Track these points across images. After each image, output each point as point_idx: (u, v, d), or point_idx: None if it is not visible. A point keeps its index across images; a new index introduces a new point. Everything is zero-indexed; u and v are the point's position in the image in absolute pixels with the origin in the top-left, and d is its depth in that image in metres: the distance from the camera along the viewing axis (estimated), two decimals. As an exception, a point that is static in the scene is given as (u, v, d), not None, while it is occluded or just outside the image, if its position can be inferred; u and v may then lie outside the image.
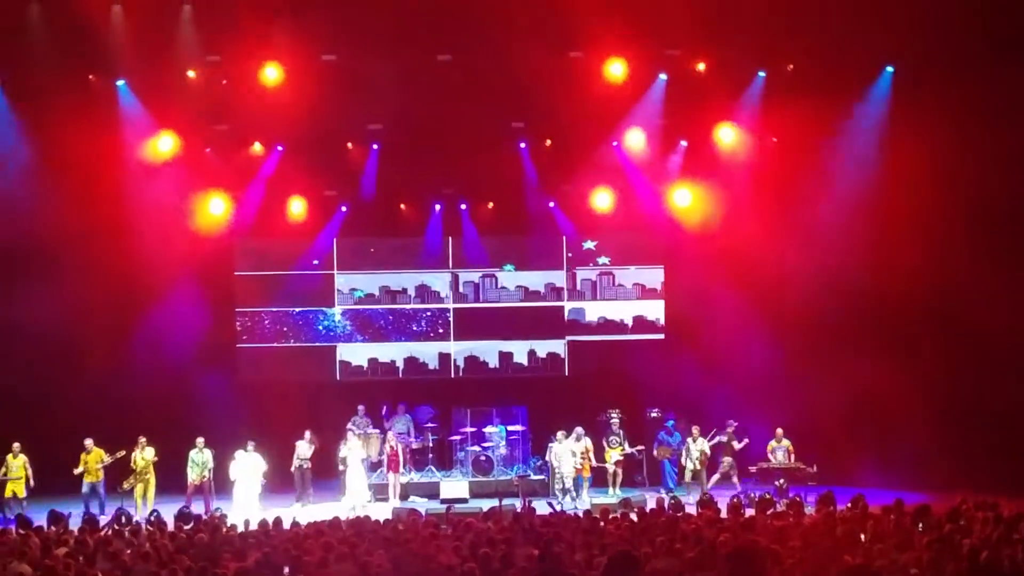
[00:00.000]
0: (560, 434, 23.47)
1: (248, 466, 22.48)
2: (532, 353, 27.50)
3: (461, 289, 27.52)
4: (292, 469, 23.49)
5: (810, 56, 23.73)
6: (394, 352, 27.49)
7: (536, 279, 27.58)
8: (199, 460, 22.63)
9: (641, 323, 27.52)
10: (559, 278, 27.54)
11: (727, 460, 23.56)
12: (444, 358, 27.51)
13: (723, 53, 24.07)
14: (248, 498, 22.14)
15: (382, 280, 27.43)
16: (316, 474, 23.85)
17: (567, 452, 23.16)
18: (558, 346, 27.54)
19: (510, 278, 27.54)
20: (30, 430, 23.14)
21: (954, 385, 23.67)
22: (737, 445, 23.59)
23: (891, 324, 24.77)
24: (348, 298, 27.37)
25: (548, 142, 26.11)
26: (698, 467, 23.29)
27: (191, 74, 23.98)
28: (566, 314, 27.55)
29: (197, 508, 21.36)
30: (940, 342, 24.04)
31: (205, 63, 24.09)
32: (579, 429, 23.59)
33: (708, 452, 23.44)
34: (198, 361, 25.48)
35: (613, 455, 24.10)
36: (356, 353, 27.42)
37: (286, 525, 16.87)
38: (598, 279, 27.63)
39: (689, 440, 23.59)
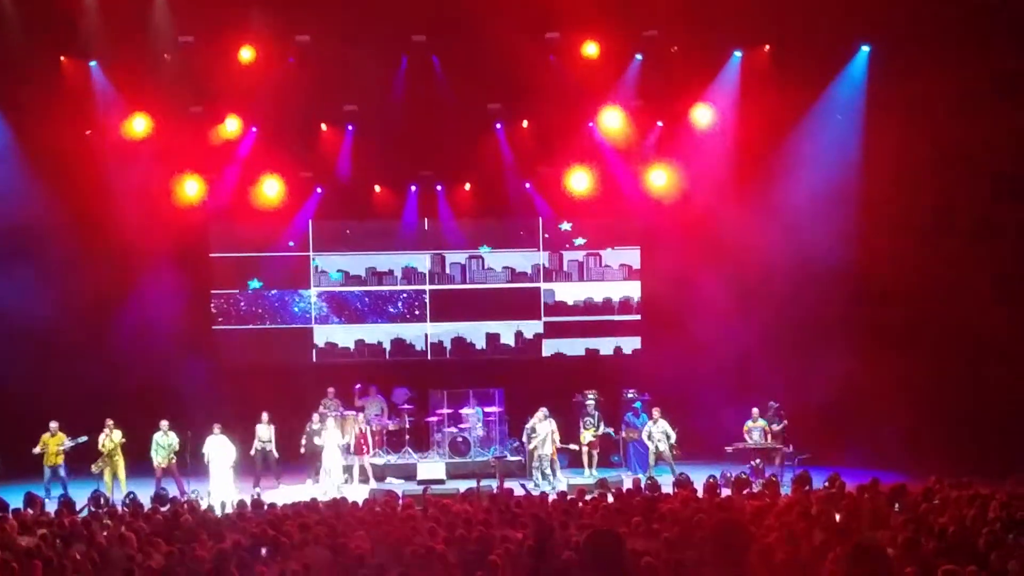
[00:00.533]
0: (541, 413, 23.36)
1: (216, 449, 22.33)
2: (510, 334, 27.50)
3: (448, 270, 27.49)
4: (252, 452, 23.32)
5: (786, 36, 23.74)
6: (370, 334, 27.46)
7: (522, 260, 27.58)
8: (164, 443, 22.49)
9: (619, 304, 27.55)
10: (545, 259, 27.52)
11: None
12: (420, 340, 27.50)
13: (699, 34, 24.04)
14: (221, 481, 22.03)
15: (358, 262, 27.37)
16: (282, 456, 23.72)
17: (548, 434, 23.10)
18: (535, 327, 27.55)
19: (497, 259, 27.51)
20: (4, 414, 23.04)
21: (937, 368, 23.69)
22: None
23: (871, 305, 24.79)
24: (323, 280, 27.31)
25: (525, 123, 26.07)
26: (662, 448, 23.13)
27: (166, 56, 23.85)
28: (543, 296, 27.57)
29: (171, 491, 21.27)
30: (921, 322, 24.09)
31: (179, 44, 23.96)
32: (543, 410, 23.50)
33: (671, 433, 23.26)
34: (175, 344, 25.36)
35: (587, 436, 24.12)
36: (332, 335, 27.38)
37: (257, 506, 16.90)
38: (585, 260, 27.62)
39: (650, 423, 23.51)
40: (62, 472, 22.13)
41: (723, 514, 13.98)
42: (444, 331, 27.53)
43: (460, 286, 27.47)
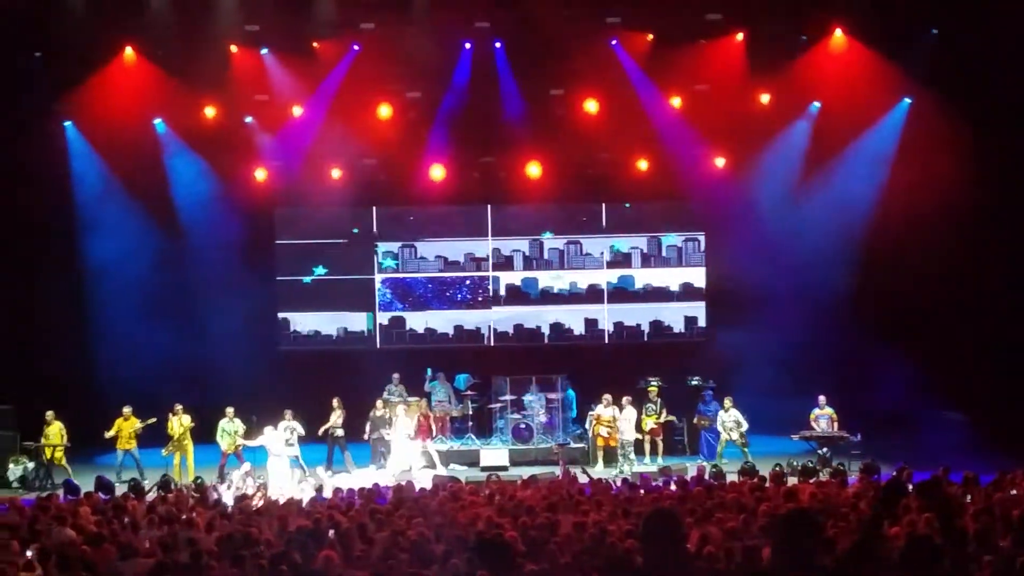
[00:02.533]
0: (607, 398, 23.32)
1: (273, 438, 22.36)
2: (575, 321, 27.46)
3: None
4: (321, 434, 23.35)
5: (854, 19, 23.50)
6: (434, 320, 27.53)
7: (588, 246, 27.49)
8: (230, 429, 22.62)
9: (682, 290, 27.39)
10: (607, 245, 27.41)
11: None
12: (484, 326, 27.53)
13: (766, 20, 23.86)
14: (278, 466, 22.03)
15: (423, 248, 27.43)
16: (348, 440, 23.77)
17: (625, 420, 23.04)
18: (598, 312, 27.47)
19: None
20: (71, 398, 23.38)
21: (1001, 362, 23.41)
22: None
23: (938, 302, 24.48)
24: (386, 266, 27.42)
25: (594, 105, 25.61)
26: (735, 437, 23.02)
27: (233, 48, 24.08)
28: (605, 281, 27.49)
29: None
30: (988, 316, 23.81)
31: (245, 33, 24.14)
32: (607, 397, 23.44)
33: (743, 423, 23.12)
34: (240, 330, 25.55)
35: (648, 423, 23.96)
36: (396, 321, 27.49)
37: (327, 493, 17.01)
38: (648, 244, 27.47)
39: (721, 411, 23.40)
40: (136, 455, 22.40)
41: (786, 504, 13.87)
42: (507, 317, 27.53)
43: (525, 272, 27.44)
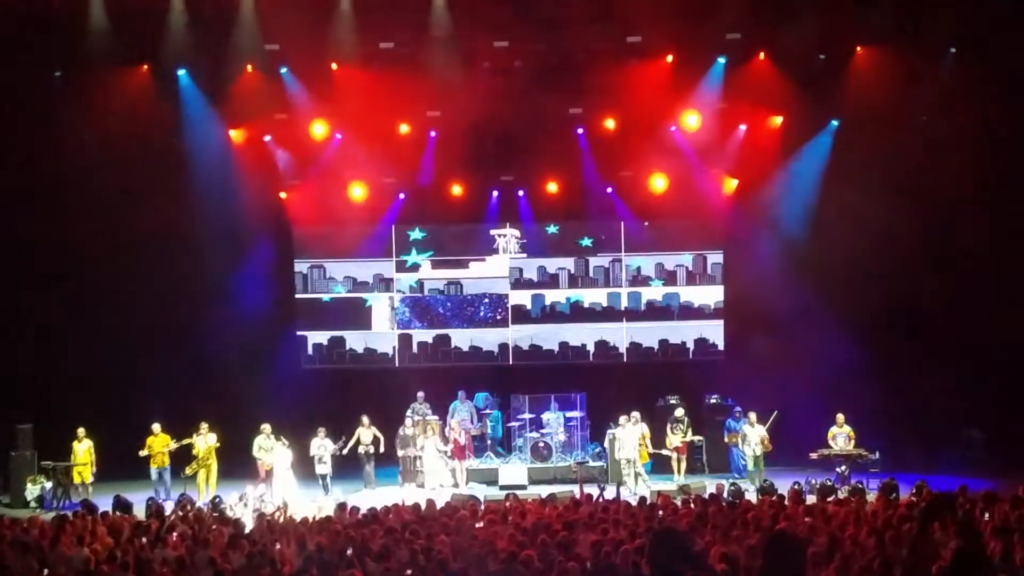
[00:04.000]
0: (623, 419, 23.30)
1: (280, 454, 22.44)
2: (592, 339, 27.44)
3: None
4: (347, 451, 23.40)
5: (874, 38, 23.52)
6: (453, 338, 27.55)
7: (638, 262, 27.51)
8: (267, 446, 22.67)
9: (700, 308, 27.31)
10: (626, 263, 27.41)
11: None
12: (502, 345, 27.54)
13: (781, 39, 23.89)
14: (285, 483, 22.08)
15: (441, 266, 27.49)
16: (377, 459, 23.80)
17: (630, 437, 23.00)
18: (616, 331, 27.46)
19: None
20: (100, 415, 23.47)
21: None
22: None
23: (959, 314, 24.41)
24: (405, 285, 27.46)
25: (611, 123, 25.77)
26: (758, 453, 22.97)
27: (248, 67, 24.19)
28: (624, 299, 27.47)
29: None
30: (1012, 332, 23.70)
31: (264, 52, 24.24)
32: (636, 414, 23.42)
33: (767, 438, 23.06)
34: (260, 348, 25.66)
35: (674, 440, 23.90)
36: (415, 339, 27.53)
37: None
38: (666, 262, 27.43)
39: (746, 426, 23.34)
40: (167, 475, 22.45)
41: (805, 522, 13.84)
42: (525, 335, 27.52)
43: (534, 290, 27.47)
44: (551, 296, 27.51)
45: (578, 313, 27.47)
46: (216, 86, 24.62)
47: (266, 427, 22.75)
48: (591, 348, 27.47)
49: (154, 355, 24.96)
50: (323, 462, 22.61)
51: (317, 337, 27.45)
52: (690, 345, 27.29)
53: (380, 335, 27.53)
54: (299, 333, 27.29)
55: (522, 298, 27.51)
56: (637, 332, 27.45)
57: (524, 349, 27.52)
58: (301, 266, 27.28)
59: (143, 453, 22.48)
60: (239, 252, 25.64)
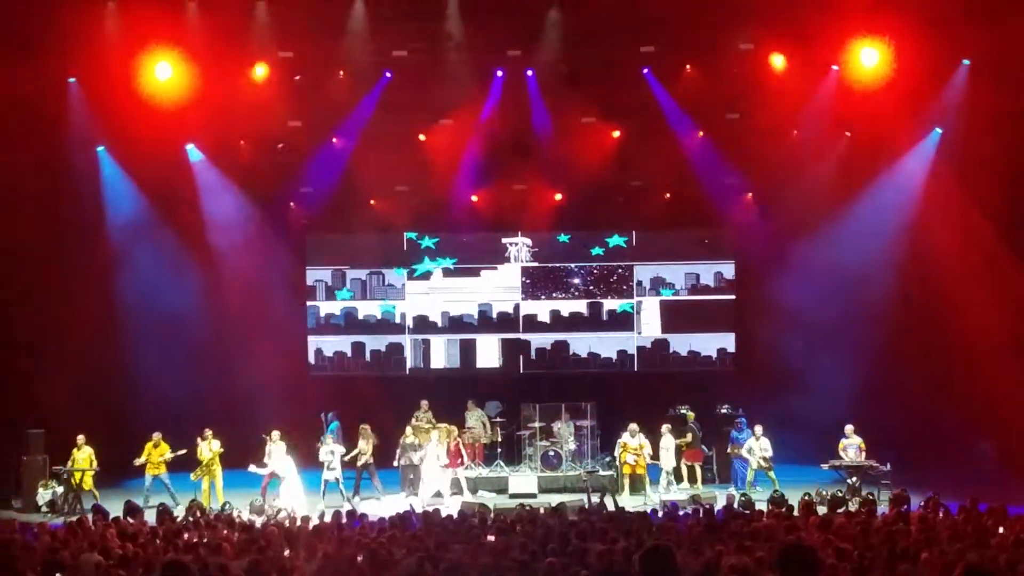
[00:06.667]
0: (633, 426, 23.27)
1: (283, 457, 22.38)
2: (602, 348, 27.45)
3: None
4: (349, 460, 23.35)
5: (885, 49, 23.44)
6: (465, 346, 27.55)
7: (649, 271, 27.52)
8: (276, 452, 22.59)
9: (713, 319, 27.30)
10: (638, 272, 27.39)
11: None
12: (512, 352, 27.53)
13: (796, 50, 23.85)
14: (291, 488, 22.04)
15: (453, 274, 27.52)
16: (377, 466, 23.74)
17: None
18: (627, 340, 27.43)
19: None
20: (102, 423, 23.46)
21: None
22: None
23: (975, 330, 24.30)
24: (415, 292, 27.48)
25: (616, 134, 25.83)
26: (762, 465, 22.89)
27: (262, 70, 24.15)
28: (635, 309, 27.45)
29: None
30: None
31: (278, 59, 24.24)
32: (633, 426, 23.37)
33: (769, 451, 22.99)
34: (269, 353, 25.66)
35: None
36: (425, 347, 27.54)
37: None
38: (676, 272, 27.48)
39: (751, 439, 23.28)
40: (166, 480, 22.47)
41: (817, 534, 13.79)
42: (537, 344, 27.54)
43: (548, 300, 27.45)
44: (562, 305, 27.51)
45: (589, 322, 27.46)
46: (230, 93, 24.57)
47: (275, 433, 22.71)
48: (602, 357, 27.46)
49: (156, 357, 25.00)
50: (332, 468, 22.58)
51: (327, 345, 27.47)
52: (702, 355, 27.28)
53: (390, 342, 27.54)
54: (310, 337, 27.35)
55: (533, 307, 27.52)
56: (648, 341, 27.43)
57: (534, 358, 27.52)
58: (312, 273, 27.32)
59: (139, 461, 22.41)
60: (250, 258, 25.66)
